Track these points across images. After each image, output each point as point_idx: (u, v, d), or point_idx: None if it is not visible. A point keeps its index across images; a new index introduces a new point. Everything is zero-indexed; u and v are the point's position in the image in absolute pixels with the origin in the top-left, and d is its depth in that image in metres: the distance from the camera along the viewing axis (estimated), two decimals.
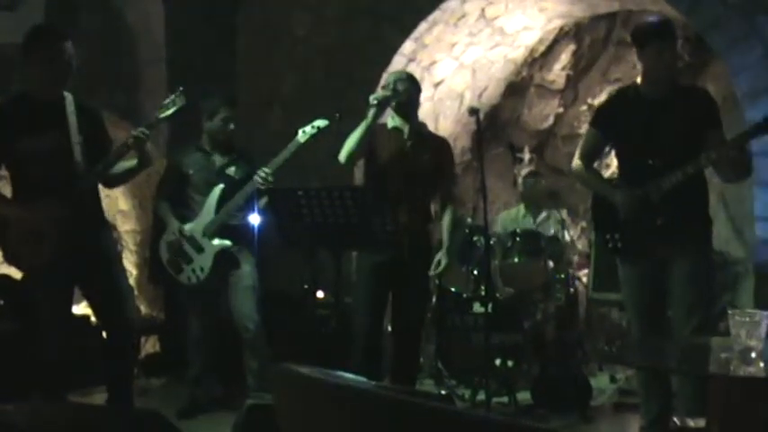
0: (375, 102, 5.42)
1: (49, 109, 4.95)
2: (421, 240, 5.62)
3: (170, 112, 5.22)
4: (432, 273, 5.72)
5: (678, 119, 4.87)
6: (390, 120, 5.69)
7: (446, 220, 5.77)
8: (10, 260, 5.02)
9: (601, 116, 5.28)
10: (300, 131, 5.97)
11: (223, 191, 6.08)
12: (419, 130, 5.74)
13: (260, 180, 5.88)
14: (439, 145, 5.80)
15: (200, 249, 6.06)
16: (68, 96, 5.02)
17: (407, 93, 5.59)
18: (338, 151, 5.53)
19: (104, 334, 5.27)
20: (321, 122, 5.92)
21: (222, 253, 6.06)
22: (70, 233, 4.85)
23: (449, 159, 5.83)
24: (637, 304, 5.13)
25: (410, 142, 5.64)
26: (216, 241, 6.05)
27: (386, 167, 5.58)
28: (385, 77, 5.86)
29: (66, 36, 4.98)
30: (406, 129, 5.65)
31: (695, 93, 5.07)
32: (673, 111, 4.89)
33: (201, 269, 6.07)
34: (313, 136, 5.94)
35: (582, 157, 5.27)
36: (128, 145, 5.06)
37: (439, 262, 5.66)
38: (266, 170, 5.90)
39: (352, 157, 5.52)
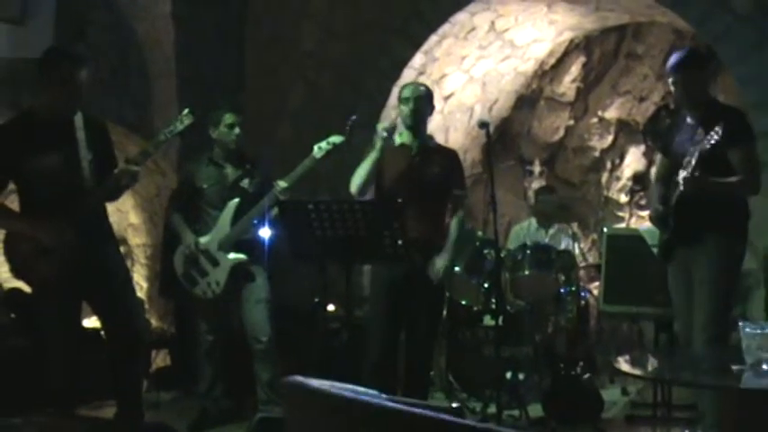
0: (384, 133, 5.44)
1: (58, 126, 4.95)
2: (433, 255, 5.60)
3: (177, 130, 5.24)
4: (432, 276, 5.62)
5: (698, 141, 4.96)
6: (398, 136, 5.69)
7: (453, 223, 5.74)
8: (17, 274, 5.03)
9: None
10: (316, 147, 5.95)
11: (238, 204, 6.08)
12: (426, 143, 5.72)
13: (278, 194, 5.87)
14: (447, 157, 5.78)
15: (215, 263, 6.06)
16: (77, 112, 5.04)
17: (418, 113, 5.60)
18: (347, 164, 5.53)
19: (112, 347, 5.26)
20: (336, 138, 5.90)
21: (237, 267, 6.07)
22: (77, 249, 4.85)
23: (458, 170, 5.80)
24: (675, 310, 5.32)
25: (418, 157, 5.62)
26: (231, 255, 6.05)
27: (395, 183, 5.57)
28: (398, 90, 5.82)
29: (82, 61, 4.98)
30: (413, 143, 5.64)
31: (723, 114, 5.02)
32: (699, 133, 5.01)
33: (217, 283, 6.06)
34: (328, 152, 5.93)
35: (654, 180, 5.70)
36: (124, 172, 5.08)
37: (438, 267, 5.59)
38: (284, 185, 5.90)
39: (364, 187, 5.53)
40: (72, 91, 4.93)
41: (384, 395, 3.04)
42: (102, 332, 5.56)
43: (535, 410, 6.23)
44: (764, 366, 3.45)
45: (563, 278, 6.91)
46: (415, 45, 7.67)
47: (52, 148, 4.90)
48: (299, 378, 2.73)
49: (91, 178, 4.99)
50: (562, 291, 6.93)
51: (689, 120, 5.14)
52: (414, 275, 5.46)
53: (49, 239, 4.82)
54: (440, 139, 8.47)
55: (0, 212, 5.05)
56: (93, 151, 5.02)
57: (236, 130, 6.14)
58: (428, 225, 5.57)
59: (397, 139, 5.66)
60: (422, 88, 5.76)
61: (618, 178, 9.03)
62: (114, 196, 5.29)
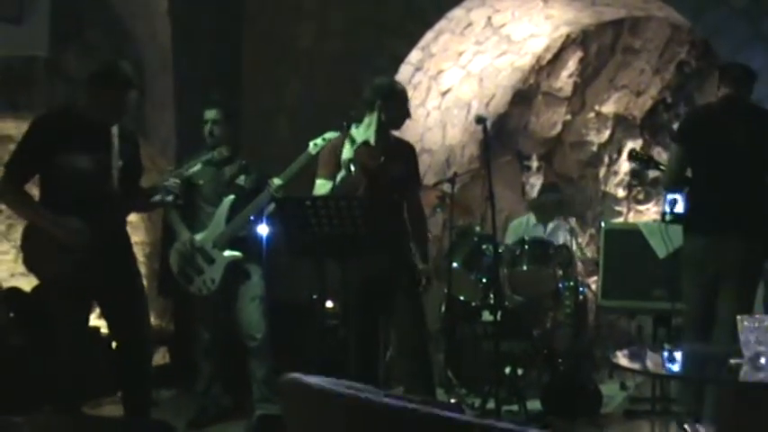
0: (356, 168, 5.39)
1: (96, 129, 4.96)
2: (403, 251, 5.56)
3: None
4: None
5: None
6: (356, 132, 5.54)
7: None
8: (29, 267, 5.02)
9: None
10: (312, 144, 5.94)
11: (233, 201, 6.08)
12: (389, 140, 5.62)
13: (273, 192, 5.88)
14: (407, 151, 5.72)
15: (210, 261, 6.06)
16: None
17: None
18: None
19: (119, 355, 5.24)
20: (331, 134, 5.88)
21: (232, 264, 6.07)
22: (94, 251, 4.84)
23: (416, 165, 5.77)
24: None
25: (383, 156, 5.52)
26: (226, 252, 6.06)
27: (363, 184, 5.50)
28: (382, 86, 5.63)
29: (136, 86, 5.09)
30: (377, 141, 5.52)
31: None
32: None
33: (212, 280, 6.07)
34: (323, 148, 5.91)
35: None
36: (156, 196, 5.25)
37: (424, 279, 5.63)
38: (278, 182, 5.90)
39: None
40: (120, 106, 5.00)
41: (382, 392, 3.04)
42: (105, 330, 5.56)
43: (534, 406, 6.24)
44: (762, 360, 3.46)
45: (561, 273, 6.91)
46: (412, 41, 7.67)
47: (88, 150, 4.89)
48: (298, 375, 2.74)
49: (118, 186, 5.02)
50: (560, 286, 6.93)
51: None
52: (386, 274, 5.43)
53: (68, 238, 4.82)
54: (437, 134, 8.49)
55: (25, 203, 5.00)
56: (123, 161, 5.05)
57: (209, 126, 6.16)
58: (394, 221, 5.53)
59: (357, 136, 5.53)
60: (392, 93, 5.59)
61: (616, 173, 9.04)
62: (146, 209, 5.52)
